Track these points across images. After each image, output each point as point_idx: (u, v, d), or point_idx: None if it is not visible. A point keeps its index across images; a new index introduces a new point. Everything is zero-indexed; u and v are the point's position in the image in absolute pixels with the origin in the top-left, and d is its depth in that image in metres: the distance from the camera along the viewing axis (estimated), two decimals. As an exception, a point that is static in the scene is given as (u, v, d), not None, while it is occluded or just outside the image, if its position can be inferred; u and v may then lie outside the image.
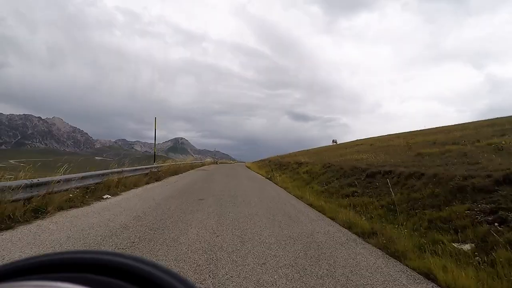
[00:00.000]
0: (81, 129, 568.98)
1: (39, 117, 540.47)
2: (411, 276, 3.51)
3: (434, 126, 25.22)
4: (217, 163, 42.79)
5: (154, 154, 20.68)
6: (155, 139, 19.05)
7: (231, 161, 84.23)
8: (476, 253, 4.01)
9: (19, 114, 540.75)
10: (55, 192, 6.45)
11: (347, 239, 5.00)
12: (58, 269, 0.37)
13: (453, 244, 4.32)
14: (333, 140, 42.01)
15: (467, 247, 4.21)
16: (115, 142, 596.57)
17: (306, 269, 3.54)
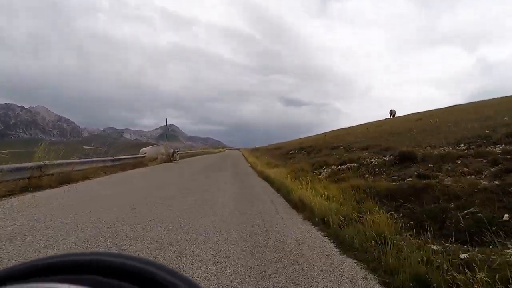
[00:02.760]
0: (67, 118, 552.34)
1: (22, 106, 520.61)
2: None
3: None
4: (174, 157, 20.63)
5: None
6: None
7: (220, 149, 78.51)
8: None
9: (1, 104, 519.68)
10: None
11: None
12: (64, 271, 0.36)
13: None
14: (391, 110, 34.06)
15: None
16: (103, 130, 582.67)
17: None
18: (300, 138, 34.35)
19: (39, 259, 0.37)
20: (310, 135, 36.33)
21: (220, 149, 73.10)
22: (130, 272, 0.37)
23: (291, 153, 19.82)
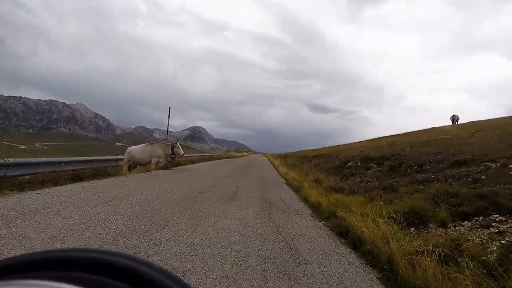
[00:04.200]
0: (102, 115, 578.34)
1: (64, 103, 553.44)
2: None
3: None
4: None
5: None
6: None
7: (244, 153, 72.00)
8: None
9: (46, 100, 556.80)
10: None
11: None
12: (45, 267, 0.35)
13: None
14: (453, 116, 27.85)
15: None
16: (135, 129, 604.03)
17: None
18: (348, 144, 26.97)
19: (18, 256, 0.36)
20: (356, 141, 28.87)
21: (244, 153, 66.46)
22: (119, 270, 0.35)
23: (348, 166, 12.90)
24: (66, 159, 7.01)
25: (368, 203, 7.05)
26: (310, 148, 46.74)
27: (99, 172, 8.01)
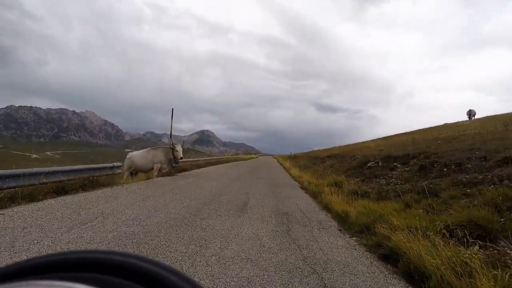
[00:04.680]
0: (112, 122, 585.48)
1: (73, 111, 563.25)
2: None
3: None
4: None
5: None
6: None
7: (252, 155, 70.50)
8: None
9: (56, 108, 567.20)
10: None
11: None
12: (65, 268, 0.36)
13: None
14: (469, 111, 26.92)
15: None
16: (144, 134, 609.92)
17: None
18: (361, 142, 25.58)
19: (39, 256, 0.36)
20: (368, 140, 27.48)
21: (252, 156, 65.28)
22: (132, 270, 0.35)
23: (368, 166, 11.67)
24: (47, 169, 6.03)
25: (404, 211, 5.89)
26: (320, 148, 45.38)
27: (90, 182, 7.03)
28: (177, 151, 11.67)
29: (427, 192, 6.55)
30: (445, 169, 7.61)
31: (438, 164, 8.18)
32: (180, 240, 3.84)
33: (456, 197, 5.63)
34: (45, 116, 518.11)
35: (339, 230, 5.16)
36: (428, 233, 3.92)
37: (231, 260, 3.29)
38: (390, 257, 3.69)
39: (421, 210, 5.61)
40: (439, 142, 11.17)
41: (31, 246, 3.21)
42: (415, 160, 9.83)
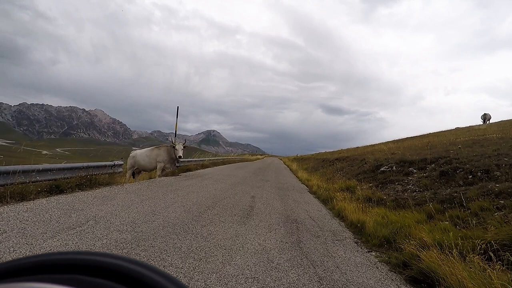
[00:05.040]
0: (120, 121, 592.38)
1: (83, 109, 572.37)
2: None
3: None
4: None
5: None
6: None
7: (258, 156, 70.01)
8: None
9: (66, 106, 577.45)
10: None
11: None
12: (46, 270, 0.35)
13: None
14: (484, 115, 26.24)
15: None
16: (151, 133, 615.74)
17: None
18: (371, 145, 24.82)
19: (19, 258, 0.36)
20: (379, 142, 26.72)
21: (258, 156, 64.75)
22: (117, 272, 0.35)
23: (381, 171, 11.06)
24: (41, 166, 5.63)
25: (427, 222, 5.32)
26: (327, 151, 44.58)
27: (88, 181, 6.62)
28: (176, 149, 11.12)
29: (450, 202, 5.96)
30: (470, 176, 6.99)
31: (461, 171, 7.55)
32: (177, 251, 3.37)
33: (487, 209, 5.03)
34: (56, 114, 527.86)
35: (356, 242, 4.62)
36: (464, 252, 3.37)
37: (234, 279, 2.80)
38: (421, 281, 3.14)
39: (447, 222, 5.05)
40: (459, 146, 10.48)
41: (4, 255, 2.77)
42: (433, 166, 9.20)
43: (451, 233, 3.82)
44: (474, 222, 4.70)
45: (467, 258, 3.26)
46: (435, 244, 3.67)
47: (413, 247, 3.67)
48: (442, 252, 3.41)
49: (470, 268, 2.93)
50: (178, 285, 0.36)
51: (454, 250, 3.36)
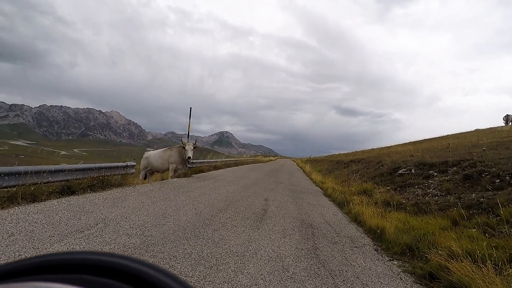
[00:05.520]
0: (135, 122, 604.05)
1: (100, 111, 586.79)
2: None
3: None
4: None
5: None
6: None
7: (271, 157, 69.47)
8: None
9: (84, 108, 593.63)
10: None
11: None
12: (53, 270, 0.36)
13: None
14: (507, 116, 26.73)
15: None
16: (165, 134, 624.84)
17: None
18: (387, 147, 24.15)
19: (26, 258, 0.36)
20: (396, 144, 25.99)
21: (271, 158, 64.34)
22: (123, 272, 0.35)
23: (399, 174, 10.63)
24: (53, 167, 5.62)
25: (452, 229, 4.98)
26: (340, 152, 43.83)
27: (100, 182, 6.59)
28: (186, 150, 10.97)
29: (479, 207, 5.58)
30: (498, 180, 6.56)
31: (487, 174, 7.11)
32: (187, 258, 3.21)
33: (520, 215, 4.65)
34: (74, 115, 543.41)
35: (375, 250, 4.35)
36: (500, 264, 3.06)
37: (247, 290, 2.61)
38: (453, 295, 2.86)
39: (475, 230, 4.70)
40: (483, 148, 9.95)
41: (9, 260, 2.68)
42: (455, 168, 8.75)
43: (484, 242, 3.50)
44: (506, 230, 4.34)
45: (503, 271, 2.97)
46: (464, 254, 3.37)
47: (440, 257, 3.38)
48: (474, 264, 3.11)
49: (508, 282, 2.64)
50: (184, 285, 0.36)
51: (488, 262, 3.06)
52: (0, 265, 0.36)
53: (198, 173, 13.32)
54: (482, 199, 5.83)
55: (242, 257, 3.39)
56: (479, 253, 3.27)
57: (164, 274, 0.36)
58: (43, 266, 0.35)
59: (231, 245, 3.76)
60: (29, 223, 3.73)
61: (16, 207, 4.39)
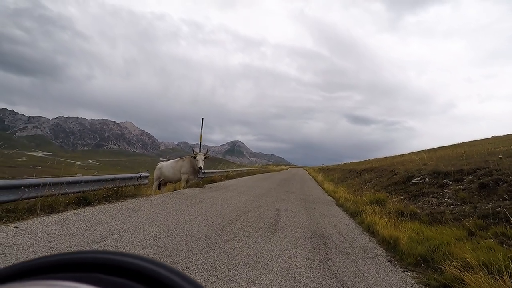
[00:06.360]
0: (148, 132, 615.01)
1: (114, 121, 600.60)
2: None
3: None
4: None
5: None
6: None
7: (282, 166, 69.18)
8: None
9: (99, 119, 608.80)
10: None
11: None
12: (67, 269, 0.36)
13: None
14: None
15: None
16: (177, 144, 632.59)
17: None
18: (401, 155, 23.76)
19: (42, 257, 0.37)
20: (410, 152, 25.52)
21: (283, 167, 64.00)
22: (136, 271, 0.36)
23: (413, 183, 10.45)
24: (70, 179, 5.83)
25: (468, 239, 4.87)
26: (353, 161, 43.29)
27: (115, 193, 6.77)
28: (197, 160, 11.02)
29: (496, 217, 5.44)
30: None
31: (504, 183, 6.92)
32: (200, 268, 3.27)
33: (539, 226, 4.51)
34: (89, 126, 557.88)
35: (389, 261, 4.29)
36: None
37: (258, 301, 2.64)
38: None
39: (492, 240, 4.58)
40: (499, 156, 9.70)
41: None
42: (470, 177, 8.54)
43: (501, 253, 3.42)
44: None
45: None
46: (480, 266, 3.30)
47: (455, 268, 3.32)
48: (490, 275, 3.05)
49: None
50: (195, 285, 0.36)
51: (504, 274, 2.99)
52: (19, 263, 0.37)
53: (210, 183, 13.44)
54: (499, 208, 5.68)
55: (253, 268, 3.42)
56: (495, 264, 3.20)
57: (176, 274, 0.37)
58: (59, 265, 0.36)
59: (243, 256, 3.80)
60: (48, 234, 3.88)
61: (35, 218, 4.57)
